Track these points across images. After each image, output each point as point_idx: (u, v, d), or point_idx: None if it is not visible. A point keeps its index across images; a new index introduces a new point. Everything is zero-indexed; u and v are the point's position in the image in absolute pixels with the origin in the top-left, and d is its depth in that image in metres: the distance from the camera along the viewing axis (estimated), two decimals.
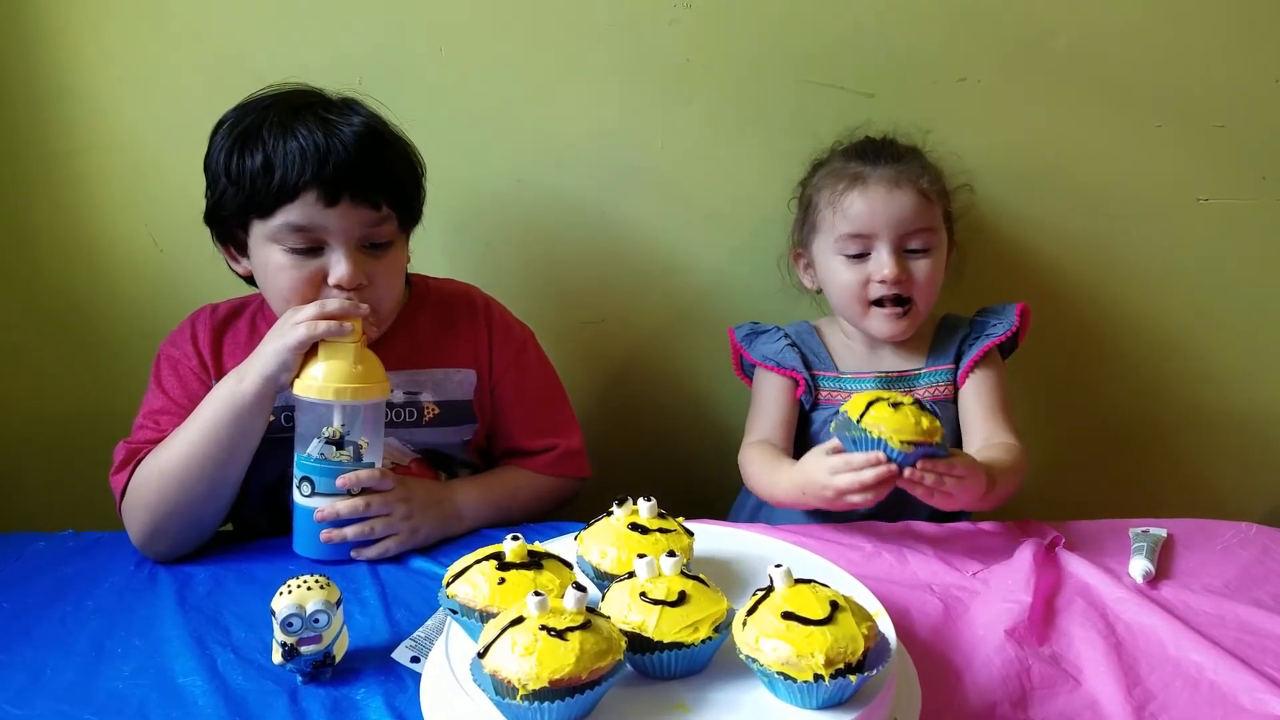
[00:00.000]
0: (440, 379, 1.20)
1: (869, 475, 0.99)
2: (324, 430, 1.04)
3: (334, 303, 1.06)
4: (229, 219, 1.12)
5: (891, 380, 1.27)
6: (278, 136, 1.07)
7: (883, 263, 1.20)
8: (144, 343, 1.23)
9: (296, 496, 1.06)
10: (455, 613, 0.78)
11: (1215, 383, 1.48)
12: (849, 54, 1.35)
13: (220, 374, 1.12)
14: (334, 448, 1.04)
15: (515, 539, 0.80)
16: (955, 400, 1.26)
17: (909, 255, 1.22)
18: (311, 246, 1.08)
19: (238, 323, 1.21)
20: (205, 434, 1.05)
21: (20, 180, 1.38)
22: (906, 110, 1.36)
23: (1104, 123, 1.38)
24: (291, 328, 1.04)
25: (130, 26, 1.33)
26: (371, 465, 1.07)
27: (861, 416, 0.99)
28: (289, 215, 1.07)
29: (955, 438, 1.24)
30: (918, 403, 1.00)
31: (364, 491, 1.07)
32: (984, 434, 1.21)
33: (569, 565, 0.82)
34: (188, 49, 1.35)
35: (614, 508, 0.86)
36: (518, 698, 0.64)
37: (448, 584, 0.80)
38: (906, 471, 0.99)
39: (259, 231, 1.09)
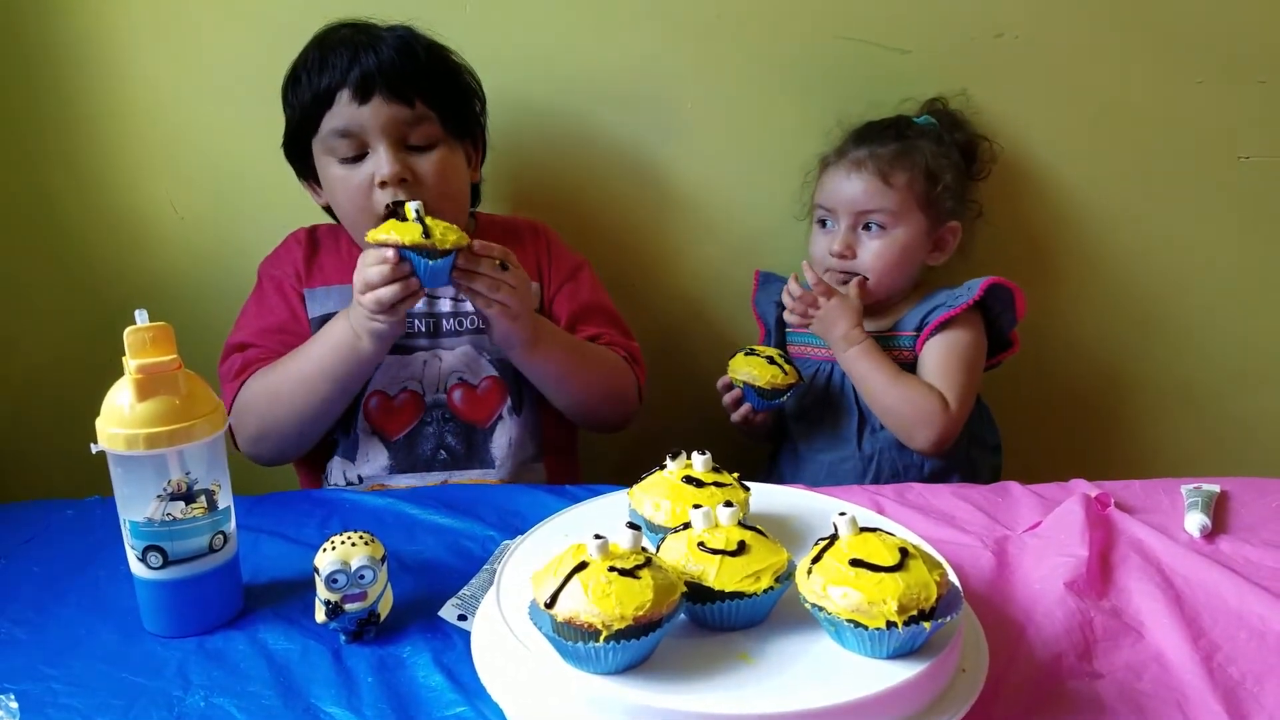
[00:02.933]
0: None
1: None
2: (164, 486, 0.83)
3: (374, 266, 1.03)
4: (298, 148, 1.19)
5: None
6: (317, 54, 1.14)
7: (834, 237, 1.29)
8: (166, 310, 1.21)
9: (142, 571, 0.85)
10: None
11: (1258, 343, 1.46)
12: (884, 9, 1.33)
13: (311, 284, 1.20)
14: (183, 503, 0.83)
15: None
16: (913, 365, 1.29)
17: (865, 232, 1.28)
18: (358, 153, 1.13)
19: (338, 238, 1.25)
20: (319, 374, 1.10)
21: (40, 146, 1.37)
22: (942, 67, 1.35)
23: (1143, 79, 1.36)
24: (362, 293, 1.05)
25: None
26: (228, 508, 0.87)
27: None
28: (331, 121, 1.13)
29: None
30: (771, 358, 1.27)
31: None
32: None
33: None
34: (208, 9, 1.32)
35: (667, 461, 0.84)
36: (600, 639, 0.63)
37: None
38: None
39: (318, 151, 1.16)
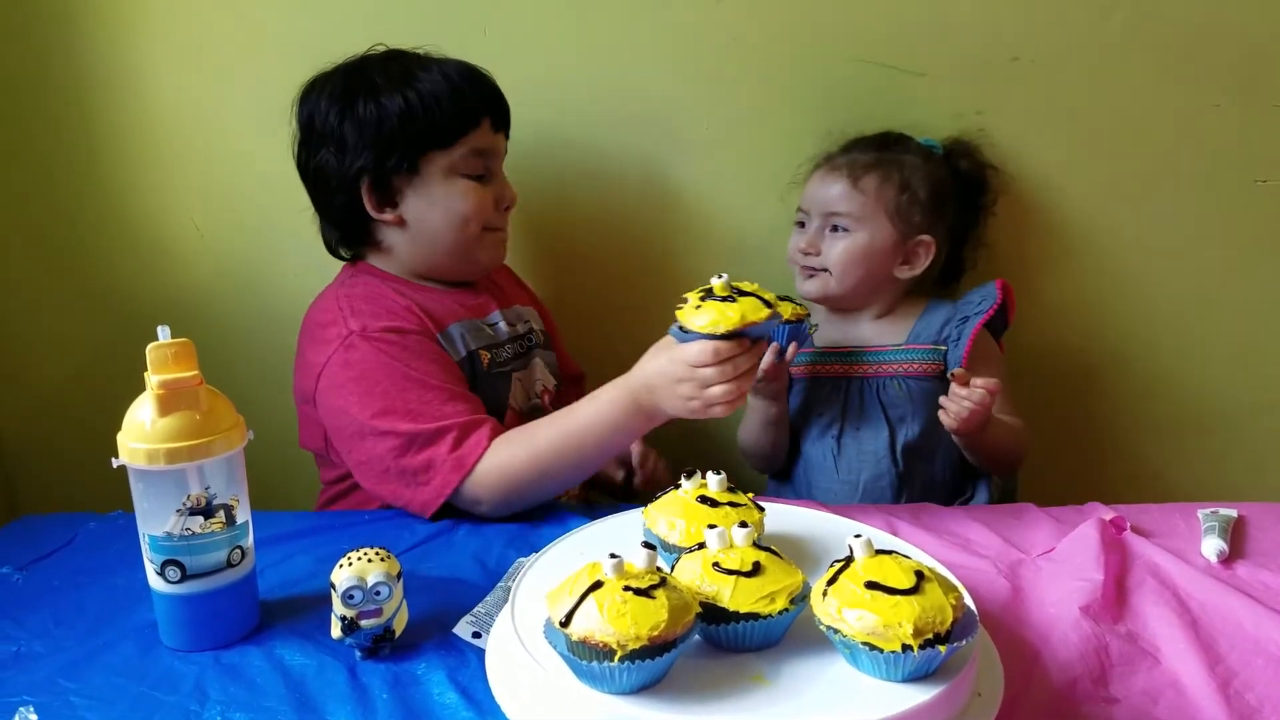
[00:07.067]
0: (529, 314, 1.35)
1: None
2: (183, 501, 0.84)
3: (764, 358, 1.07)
4: (399, 160, 1.15)
5: (865, 354, 1.32)
6: (439, 72, 1.16)
7: (804, 233, 1.32)
8: (187, 326, 1.23)
9: (160, 586, 0.85)
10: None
11: (1276, 366, 1.45)
12: (900, 32, 1.33)
13: (440, 328, 1.18)
14: (202, 518, 0.84)
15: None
16: (939, 378, 1.27)
17: (832, 234, 1.30)
18: (482, 174, 1.19)
19: (408, 282, 1.22)
20: (597, 439, 1.08)
21: (63, 164, 1.39)
22: (958, 89, 1.35)
23: (1159, 102, 1.35)
24: (706, 406, 1.01)
25: (173, 8, 1.34)
26: (246, 523, 0.88)
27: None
28: (474, 141, 1.17)
29: (934, 417, 1.21)
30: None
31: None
32: None
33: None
34: (230, 32, 1.35)
35: (682, 480, 0.84)
36: (615, 659, 0.63)
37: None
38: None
39: (438, 165, 1.17)
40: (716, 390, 1.00)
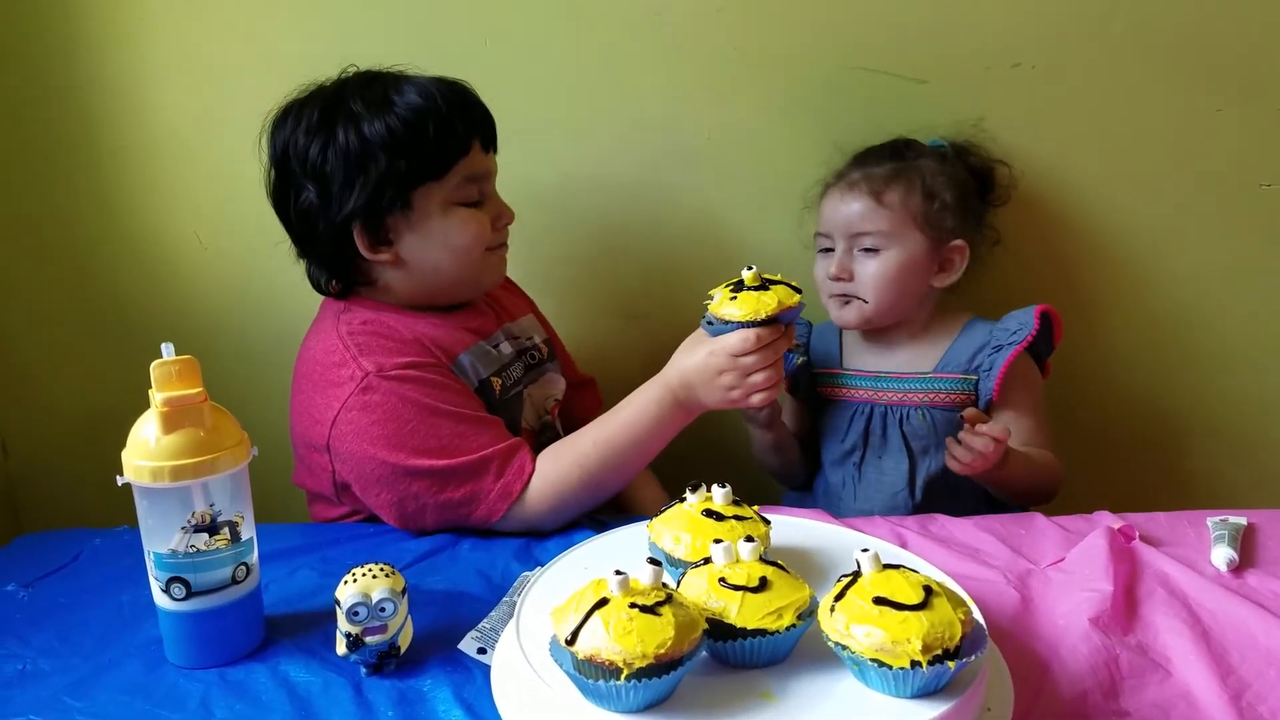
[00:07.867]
0: (531, 326, 1.32)
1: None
2: (188, 518, 0.83)
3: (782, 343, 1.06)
4: (391, 199, 1.09)
5: (891, 381, 1.29)
6: (441, 104, 1.09)
7: (832, 259, 1.26)
8: (189, 340, 1.23)
9: (165, 603, 0.85)
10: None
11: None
12: (900, 40, 1.33)
13: (450, 360, 1.14)
14: (206, 535, 0.84)
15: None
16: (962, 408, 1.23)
17: (862, 255, 1.25)
18: (477, 199, 1.15)
19: (413, 315, 1.16)
20: (640, 443, 1.10)
21: (66, 178, 1.39)
22: (959, 97, 1.34)
23: (1162, 107, 1.35)
24: (745, 395, 1.06)
25: (173, 23, 1.34)
26: (251, 540, 0.88)
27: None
28: (467, 168, 1.12)
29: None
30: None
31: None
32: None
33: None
34: (230, 45, 1.35)
35: (687, 494, 0.84)
36: (621, 677, 0.63)
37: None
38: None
39: (433, 199, 1.11)
40: (758, 377, 1.04)
